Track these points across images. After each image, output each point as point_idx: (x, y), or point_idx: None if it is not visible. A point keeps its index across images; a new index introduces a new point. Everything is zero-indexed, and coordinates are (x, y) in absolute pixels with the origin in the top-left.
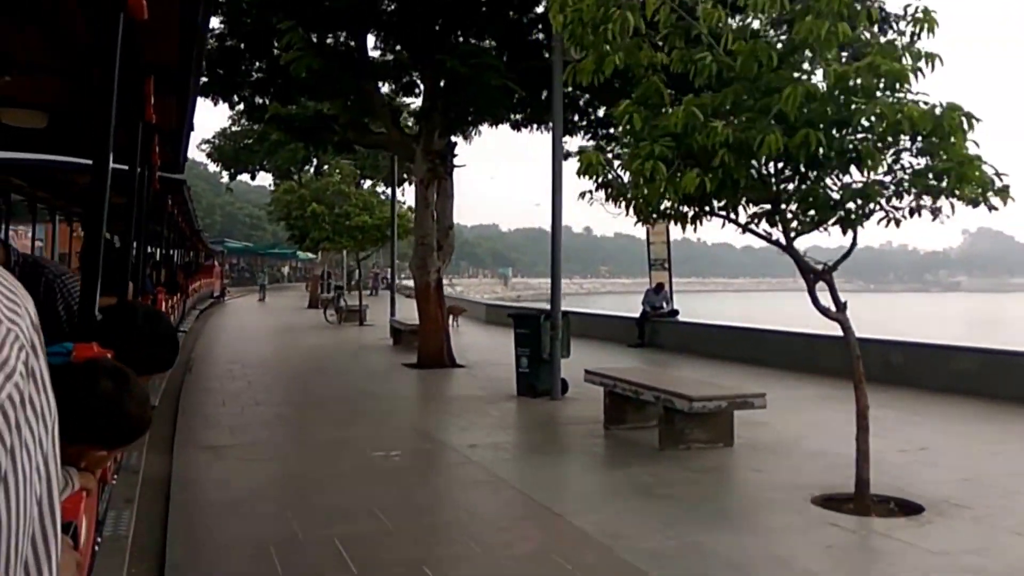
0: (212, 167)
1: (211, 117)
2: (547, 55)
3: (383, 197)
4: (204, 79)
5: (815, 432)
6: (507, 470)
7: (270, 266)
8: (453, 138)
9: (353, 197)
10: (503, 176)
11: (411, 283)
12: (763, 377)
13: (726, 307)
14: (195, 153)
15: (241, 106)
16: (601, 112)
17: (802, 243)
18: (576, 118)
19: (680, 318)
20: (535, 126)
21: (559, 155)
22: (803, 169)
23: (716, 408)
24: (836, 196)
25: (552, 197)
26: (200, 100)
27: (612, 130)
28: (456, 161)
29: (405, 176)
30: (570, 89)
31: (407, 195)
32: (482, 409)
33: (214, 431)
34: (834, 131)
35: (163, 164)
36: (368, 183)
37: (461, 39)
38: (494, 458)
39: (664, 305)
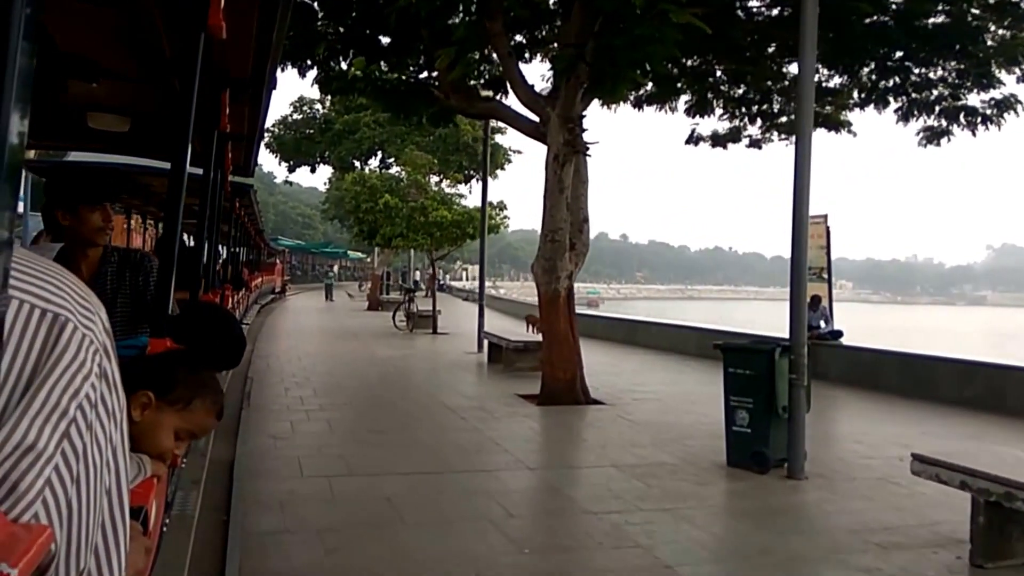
0: (266, 167)
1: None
2: None
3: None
4: None
5: None
6: None
7: (320, 264)
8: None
9: (430, 189)
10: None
11: (459, 284)
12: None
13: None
14: None
15: (314, 72)
16: (741, 89)
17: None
18: (709, 95)
19: (844, 340)
20: (661, 106)
21: (807, 127)
22: None
23: None
24: None
25: (795, 189)
26: None
27: (757, 107)
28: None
29: (471, 174)
30: (711, 56)
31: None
32: (702, 496)
33: (296, 538)
34: None
35: (234, 169)
36: (434, 179)
37: None
38: None
39: (822, 324)
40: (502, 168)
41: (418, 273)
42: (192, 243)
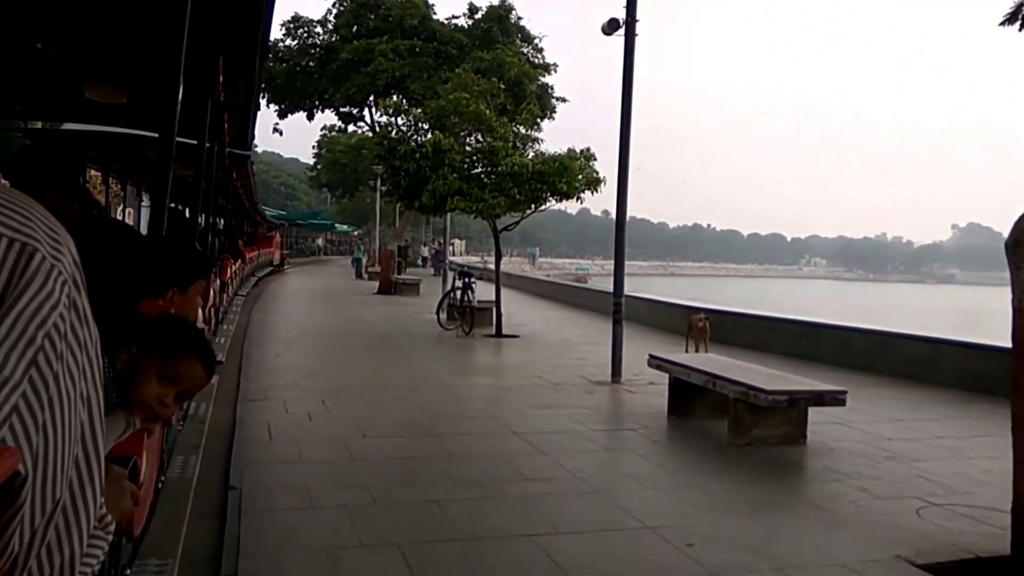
0: None
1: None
2: None
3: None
4: None
5: None
6: None
7: (304, 237)
8: None
9: (497, 127)
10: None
11: (462, 260)
12: None
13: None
14: None
15: None
16: None
17: (803, 231)
18: None
19: None
20: None
21: None
22: None
23: None
24: None
25: None
26: None
27: None
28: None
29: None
30: None
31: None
32: None
33: None
34: None
35: (232, 140)
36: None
37: None
38: None
39: None
40: (548, 116)
41: (425, 249)
42: (189, 214)
